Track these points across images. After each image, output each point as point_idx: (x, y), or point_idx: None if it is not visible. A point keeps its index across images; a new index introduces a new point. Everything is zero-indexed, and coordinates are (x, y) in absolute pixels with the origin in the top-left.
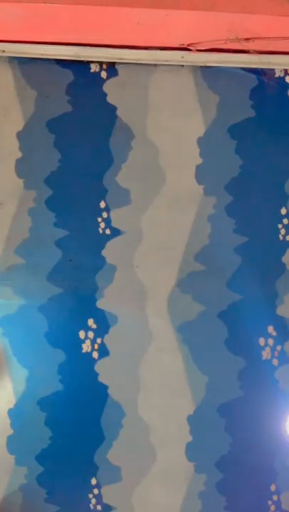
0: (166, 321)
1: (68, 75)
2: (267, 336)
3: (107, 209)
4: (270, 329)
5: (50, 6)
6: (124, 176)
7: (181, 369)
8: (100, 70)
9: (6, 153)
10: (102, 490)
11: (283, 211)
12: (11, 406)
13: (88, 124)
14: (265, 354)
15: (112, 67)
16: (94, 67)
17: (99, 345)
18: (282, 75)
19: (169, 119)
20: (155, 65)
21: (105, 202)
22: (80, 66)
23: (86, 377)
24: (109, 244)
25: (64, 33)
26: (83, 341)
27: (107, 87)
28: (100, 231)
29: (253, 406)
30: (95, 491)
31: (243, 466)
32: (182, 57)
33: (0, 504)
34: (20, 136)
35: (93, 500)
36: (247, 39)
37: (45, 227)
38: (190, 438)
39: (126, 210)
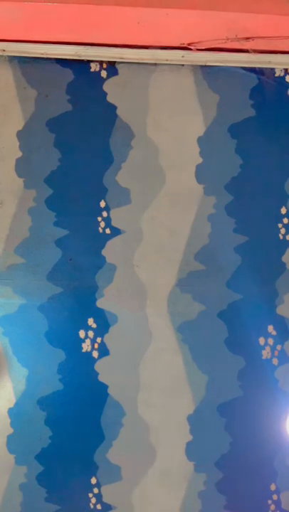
0: (166, 321)
1: (68, 75)
2: (267, 335)
3: (107, 208)
4: (270, 329)
5: (51, 6)
6: (124, 175)
7: (181, 368)
8: (100, 70)
9: (6, 153)
10: (102, 489)
11: (283, 211)
12: (11, 405)
13: (88, 123)
14: (265, 353)
15: (112, 67)
16: (94, 67)
17: (99, 344)
18: (282, 74)
19: (169, 119)
20: (155, 64)
21: (105, 201)
22: (80, 65)
23: (86, 376)
24: (110, 243)
25: (64, 33)
26: (83, 341)
27: (107, 87)
28: (100, 230)
29: (252, 405)
30: (95, 491)
31: (243, 465)
32: (182, 56)
33: (0, 503)
34: (20, 135)
35: (93, 500)
36: (247, 38)
37: (45, 227)
38: (190, 437)
39: (126, 210)
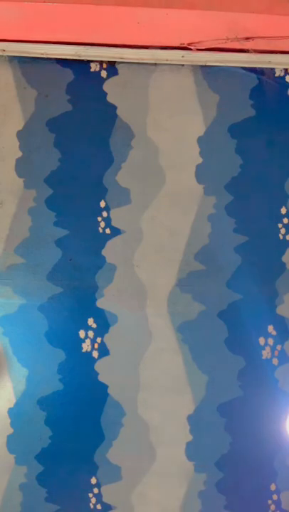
0: (166, 321)
1: (68, 74)
2: (267, 335)
3: (107, 208)
4: (270, 329)
5: (51, 6)
6: (125, 175)
7: (181, 368)
8: (100, 70)
9: (6, 153)
10: (102, 489)
11: (283, 211)
12: (11, 405)
13: (88, 123)
14: (265, 353)
15: (112, 67)
16: (94, 67)
17: (99, 344)
18: (282, 74)
19: (169, 119)
20: (155, 64)
21: (105, 201)
22: (80, 65)
23: (86, 376)
24: (110, 243)
25: (64, 33)
26: (83, 341)
27: (107, 87)
28: (100, 230)
29: (252, 405)
30: (95, 490)
31: (243, 465)
32: (182, 56)
33: (0, 503)
34: (20, 135)
35: (93, 500)
36: (247, 38)
37: (45, 227)
38: (190, 437)
39: (126, 210)
